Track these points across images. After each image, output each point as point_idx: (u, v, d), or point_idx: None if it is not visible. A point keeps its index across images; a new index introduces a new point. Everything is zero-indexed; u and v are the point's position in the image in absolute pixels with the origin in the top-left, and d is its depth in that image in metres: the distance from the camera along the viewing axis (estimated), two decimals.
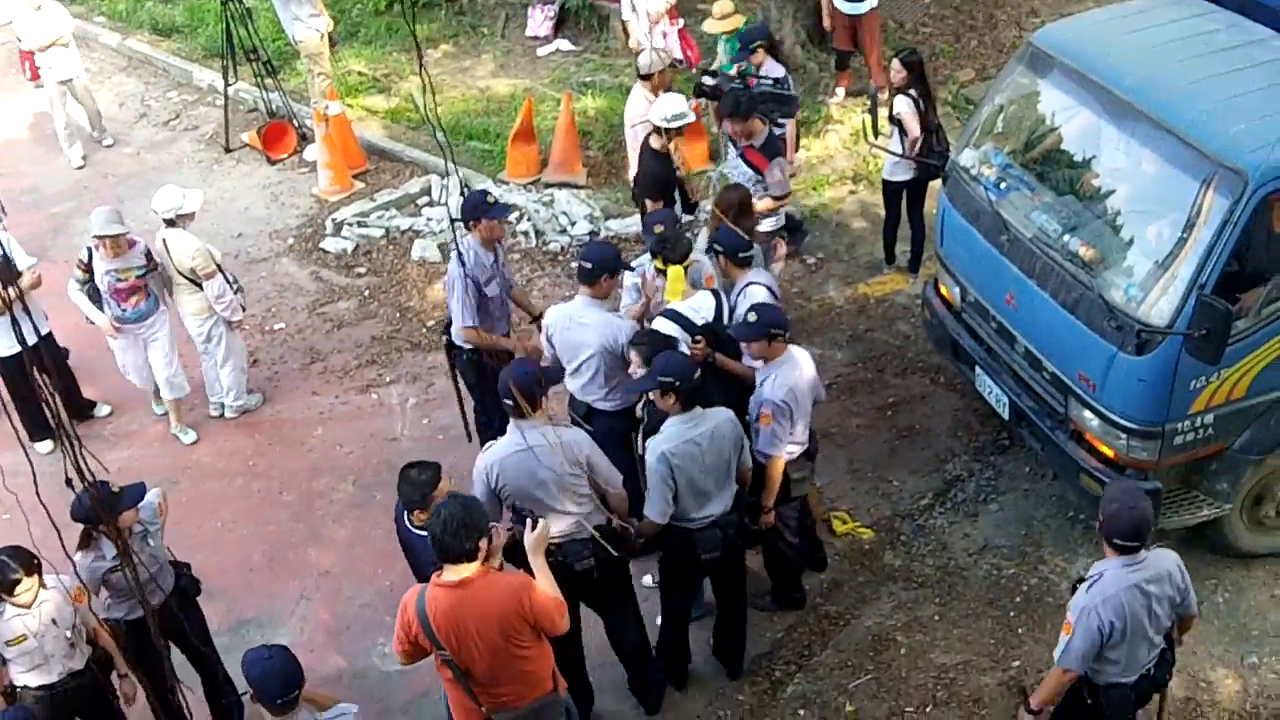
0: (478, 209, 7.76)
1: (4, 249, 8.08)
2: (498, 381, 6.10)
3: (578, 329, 7.19)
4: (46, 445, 8.80)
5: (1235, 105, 6.69)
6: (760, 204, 8.63)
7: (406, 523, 6.01)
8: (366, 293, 10.75)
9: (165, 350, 9.03)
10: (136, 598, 6.38)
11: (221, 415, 9.46)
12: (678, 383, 6.21)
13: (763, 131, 8.78)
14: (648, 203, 9.02)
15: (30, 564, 5.88)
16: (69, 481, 3.82)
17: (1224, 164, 6.41)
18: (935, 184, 9.04)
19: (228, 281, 8.96)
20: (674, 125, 8.95)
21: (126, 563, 4.51)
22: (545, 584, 5.34)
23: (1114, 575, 5.40)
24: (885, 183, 10.10)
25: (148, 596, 6.34)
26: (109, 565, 6.26)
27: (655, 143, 9.07)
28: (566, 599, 6.33)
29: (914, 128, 9.54)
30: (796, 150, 11.23)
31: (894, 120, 9.61)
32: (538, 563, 5.42)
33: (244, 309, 9.26)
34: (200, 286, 8.81)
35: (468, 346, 7.92)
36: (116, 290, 8.64)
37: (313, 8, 12.76)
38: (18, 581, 5.85)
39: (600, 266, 7.12)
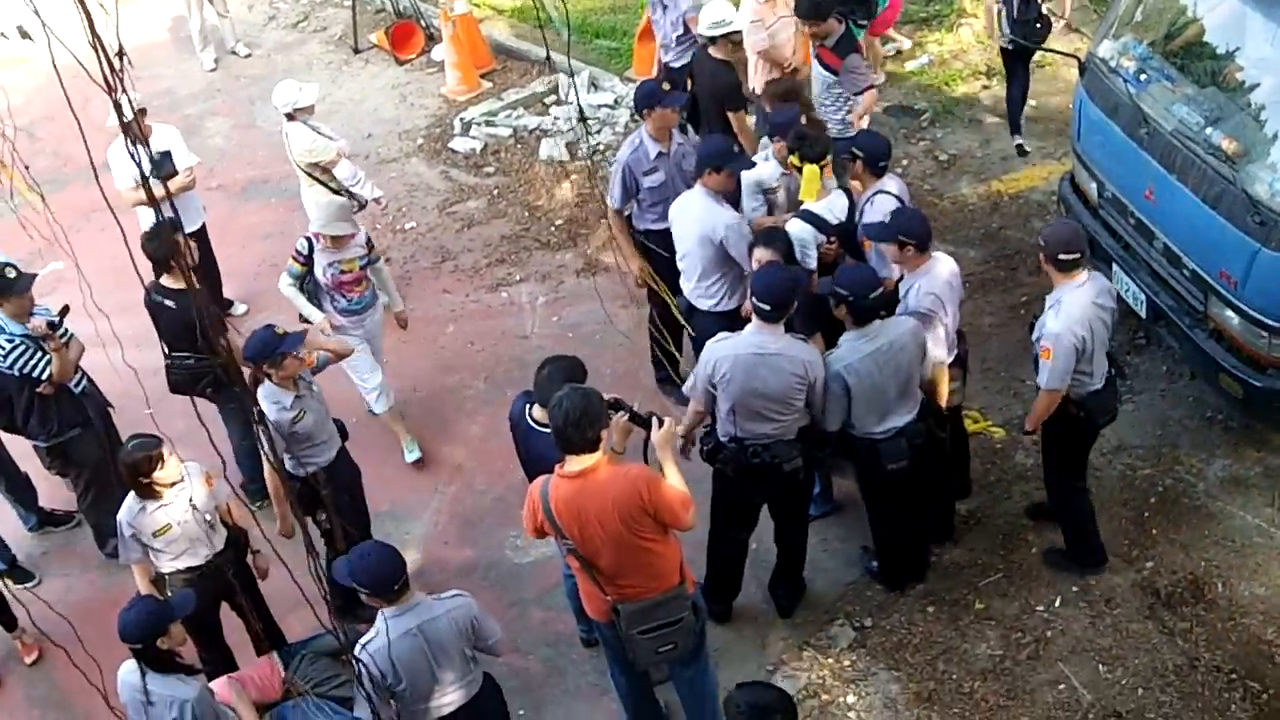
0: (650, 97, 7.70)
1: (142, 154, 8.32)
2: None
3: (684, 219, 7.22)
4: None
5: None
6: (851, 115, 8.54)
7: (528, 418, 5.98)
8: (495, 192, 10.87)
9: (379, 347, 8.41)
10: (320, 440, 6.81)
11: None
12: (851, 296, 6.14)
13: (837, 31, 8.57)
14: (730, 115, 8.84)
15: (161, 444, 6.11)
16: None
17: None
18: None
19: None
20: (716, 33, 8.77)
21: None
22: (674, 479, 5.36)
23: (1071, 297, 6.20)
24: (1002, 50, 10.31)
25: (316, 456, 6.81)
26: (291, 414, 6.56)
27: (716, 52, 8.91)
28: (758, 497, 6.54)
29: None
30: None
31: None
32: (666, 459, 5.43)
33: (379, 193, 9.23)
34: (320, 181, 8.91)
35: (640, 227, 8.04)
36: (340, 283, 7.88)
37: None
38: (159, 457, 6.06)
39: (708, 160, 7.10)
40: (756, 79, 9.63)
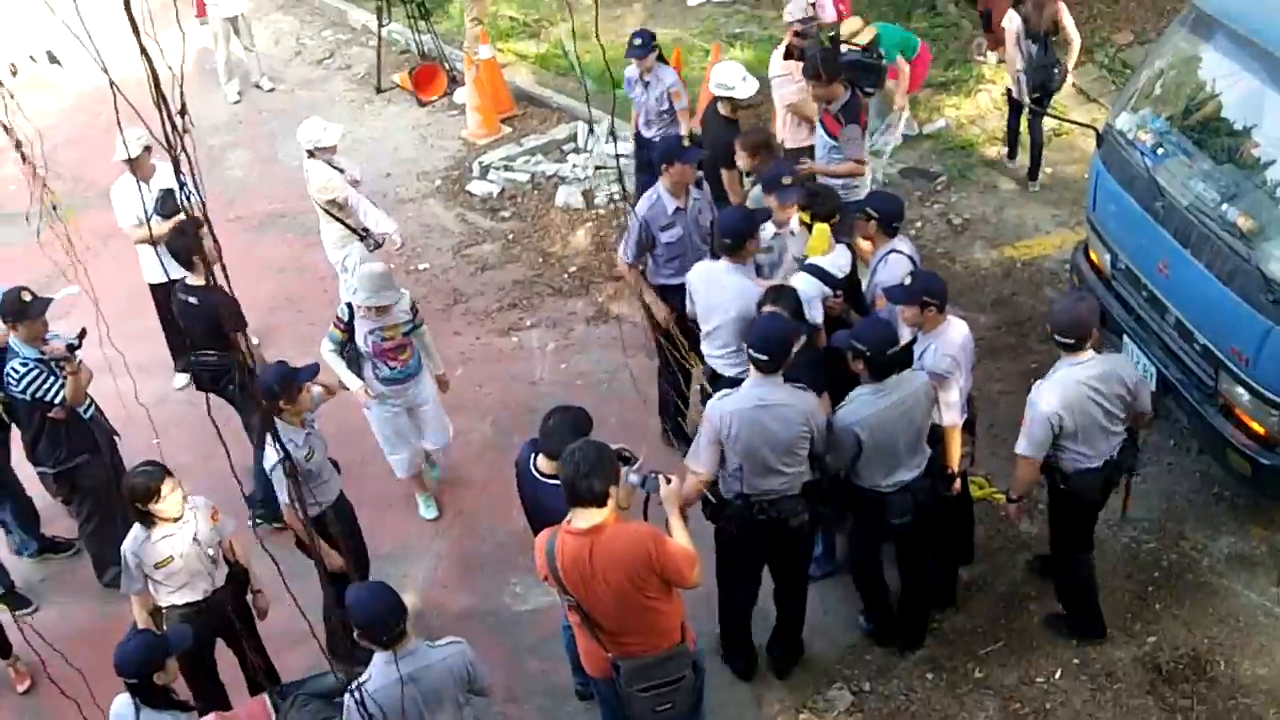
0: (669, 152, 7.76)
1: (143, 191, 8.42)
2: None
3: (718, 291, 7.18)
4: (182, 379, 9.23)
5: None
6: (839, 166, 8.60)
7: (532, 468, 5.94)
8: (510, 236, 10.93)
9: (431, 400, 8.04)
10: (325, 478, 6.83)
11: None
12: (869, 351, 6.16)
13: (842, 96, 8.57)
14: (723, 172, 8.94)
15: (167, 472, 6.11)
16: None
17: None
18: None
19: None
20: (719, 94, 9.01)
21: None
22: (680, 536, 5.33)
23: (1064, 374, 6.22)
24: (1007, 91, 10.81)
25: (324, 494, 6.80)
26: (303, 451, 6.60)
27: (723, 109, 9.07)
28: (761, 555, 6.54)
29: (1010, 44, 10.24)
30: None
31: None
32: (673, 515, 5.41)
33: (396, 229, 9.17)
34: (336, 218, 8.93)
35: (655, 282, 8.02)
36: (383, 350, 7.55)
37: None
38: (159, 488, 6.03)
39: (738, 238, 7.09)
40: (785, 132, 9.71)
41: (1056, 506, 6.78)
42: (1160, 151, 7.51)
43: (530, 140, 12.21)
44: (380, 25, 13.33)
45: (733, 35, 13.37)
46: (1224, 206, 6.95)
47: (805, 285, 7.02)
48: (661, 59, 9.83)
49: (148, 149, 8.22)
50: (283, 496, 6.61)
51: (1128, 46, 12.51)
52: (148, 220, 8.44)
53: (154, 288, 9.02)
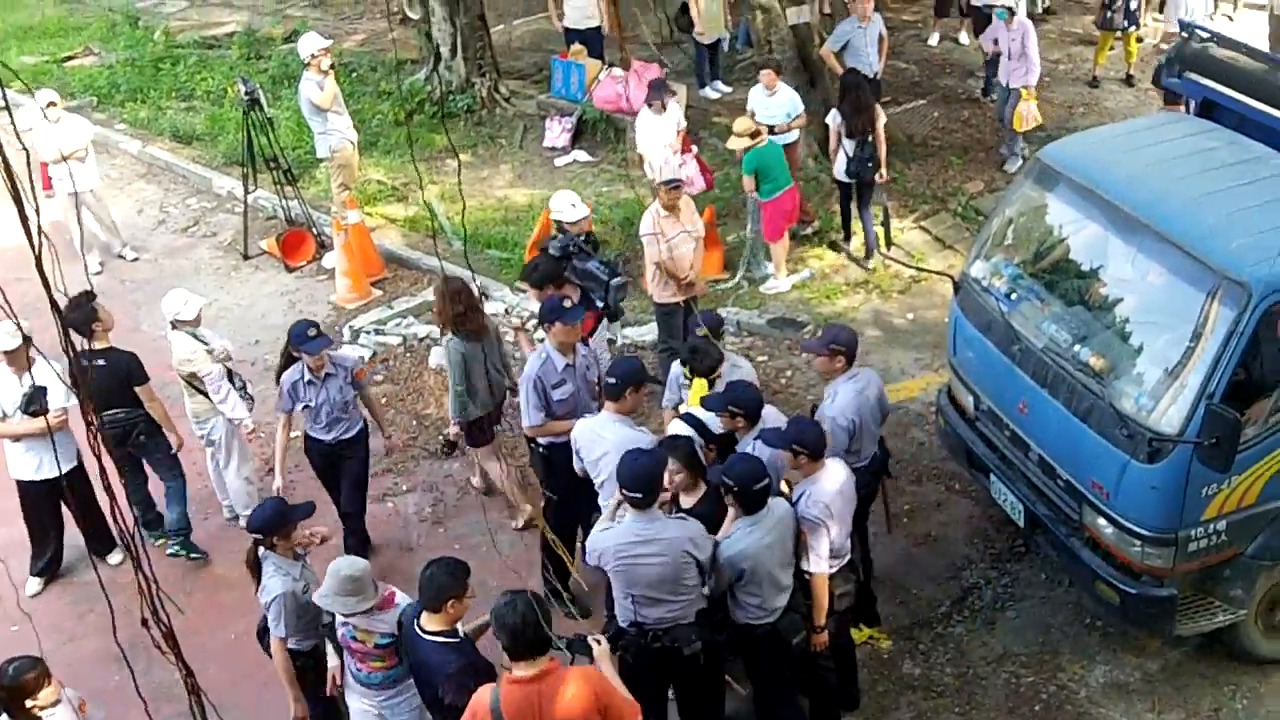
0: (553, 312, 7.87)
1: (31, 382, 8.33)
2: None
3: (600, 443, 7.21)
4: (35, 584, 9.02)
5: (1237, 220, 6.84)
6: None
7: (416, 628, 5.90)
8: (383, 400, 10.83)
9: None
10: (320, 623, 6.69)
11: (236, 520, 9.48)
12: (737, 487, 6.30)
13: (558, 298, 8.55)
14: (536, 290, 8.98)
15: (45, 668, 5.94)
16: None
17: (1228, 276, 6.54)
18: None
19: (234, 385, 9.04)
20: (555, 219, 9.65)
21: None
22: (620, 689, 5.49)
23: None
24: (836, 180, 12.16)
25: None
26: (300, 584, 6.58)
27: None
28: (661, 683, 6.60)
29: (833, 141, 11.80)
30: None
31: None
32: (610, 674, 5.57)
33: (250, 411, 9.18)
34: (198, 390, 8.91)
35: (543, 441, 8.03)
36: (351, 647, 6.45)
37: (349, 120, 13.06)
38: (39, 684, 5.88)
39: (624, 381, 7.20)
40: (653, 288, 9.92)
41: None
42: (1014, 296, 7.83)
43: (401, 303, 12.24)
44: (246, 192, 13.31)
45: (600, 194, 13.65)
46: (1077, 347, 7.26)
47: (681, 432, 7.13)
48: None
49: (28, 339, 8.08)
50: (279, 630, 6.58)
51: (979, 195, 13.09)
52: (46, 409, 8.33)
53: (20, 484, 8.78)
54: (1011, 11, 13.22)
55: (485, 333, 8.59)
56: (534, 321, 9.00)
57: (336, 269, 12.51)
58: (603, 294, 9.01)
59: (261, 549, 6.66)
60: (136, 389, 8.66)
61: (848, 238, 12.44)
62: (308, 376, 8.34)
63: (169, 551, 9.08)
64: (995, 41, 13.66)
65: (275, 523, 6.64)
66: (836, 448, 7.16)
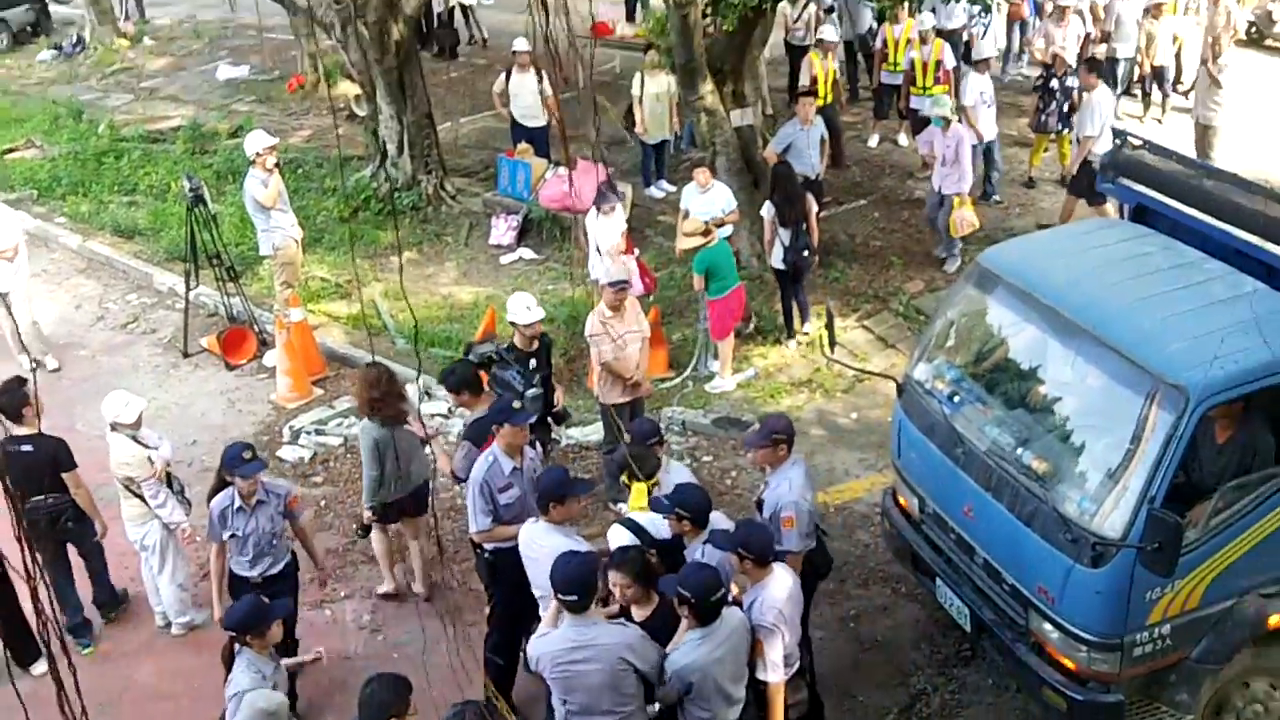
0: (501, 414, 7.85)
1: None
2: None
3: (536, 550, 7.14)
4: (40, 666, 8.65)
5: (1173, 324, 6.92)
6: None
7: None
8: (323, 503, 10.68)
9: None
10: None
11: (168, 627, 9.26)
12: (693, 598, 6.20)
13: (478, 408, 8.72)
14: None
15: None
16: None
17: (1166, 381, 6.59)
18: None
19: (172, 489, 8.91)
20: (511, 321, 9.64)
21: None
22: None
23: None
24: (774, 269, 12.39)
25: None
26: (270, 683, 6.52)
27: (519, 341, 9.59)
28: None
29: (768, 231, 12.10)
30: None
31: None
32: None
33: (187, 517, 9.04)
34: (135, 494, 8.77)
35: (488, 546, 7.94)
36: None
37: (293, 217, 13.02)
38: None
39: (547, 496, 7.16)
40: (600, 389, 9.89)
41: None
42: (957, 399, 7.85)
43: (342, 402, 12.08)
44: (188, 288, 13.21)
45: (546, 292, 13.65)
46: (1019, 450, 7.27)
47: (619, 539, 7.08)
48: None
49: None
50: None
51: (919, 295, 13.22)
52: None
53: None
54: (948, 121, 13.45)
55: (402, 420, 8.70)
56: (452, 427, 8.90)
57: (278, 367, 12.39)
58: (515, 400, 8.87)
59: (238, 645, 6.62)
60: (64, 475, 8.64)
61: (790, 335, 12.52)
62: (238, 503, 8.04)
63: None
64: (930, 146, 13.87)
65: (251, 622, 6.55)
66: (803, 529, 7.39)
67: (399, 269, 12.13)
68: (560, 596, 6.10)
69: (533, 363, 9.57)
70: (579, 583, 6.12)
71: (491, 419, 7.96)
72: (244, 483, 7.98)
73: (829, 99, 15.63)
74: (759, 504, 7.80)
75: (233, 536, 8.09)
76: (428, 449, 9.04)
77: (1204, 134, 14.98)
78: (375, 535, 9.32)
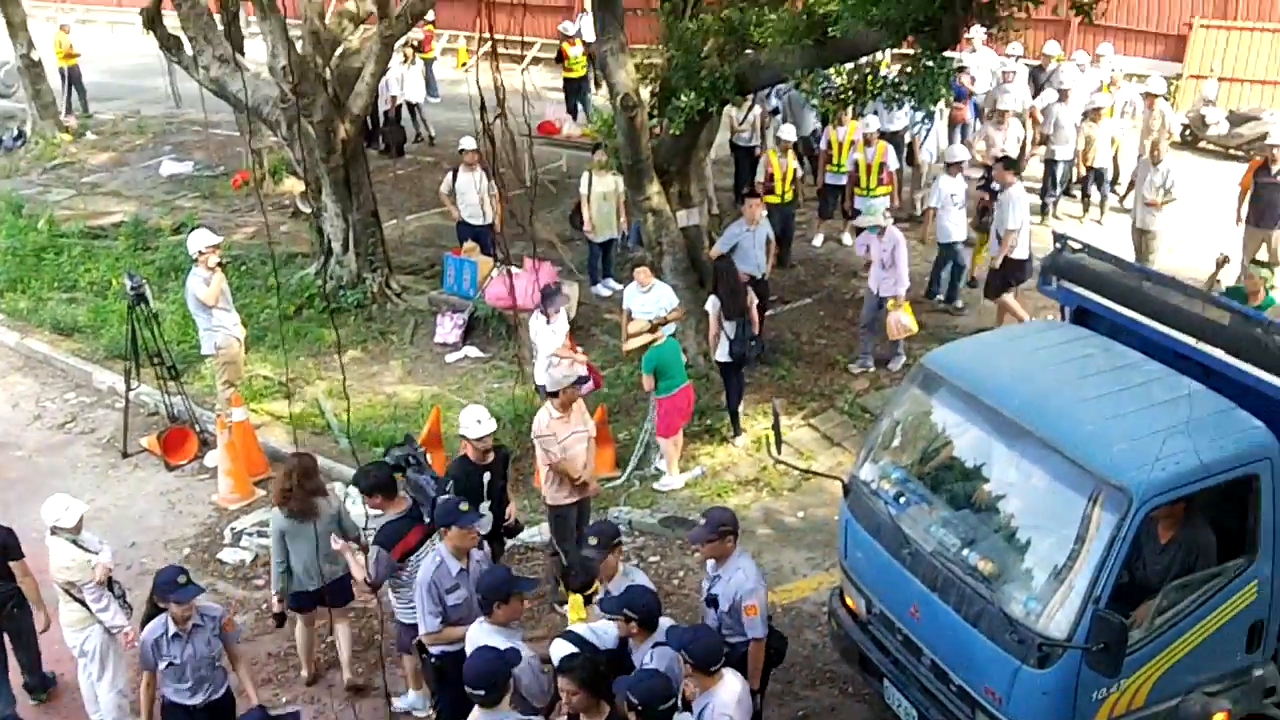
0: (449, 515, 7.82)
1: None
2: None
3: None
4: None
5: (1115, 425, 7.04)
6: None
7: None
8: (264, 606, 10.45)
9: None
10: None
11: None
12: (641, 706, 6.16)
13: (390, 512, 8.63)
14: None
15: None
16: None
17: (1109, 482, 6.69)
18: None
19: (113, 593, 8.74)
20: (461, 435, 9.34)
21: None
22: None
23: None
24: (719, 362, 12.45)
25: None
26: None
27: (471, 454, 9.32)
28: None
29: (713, 325, 12.21)
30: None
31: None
32: None
33: (128, 620, 8.82)
34: (75, 599, 8.61)
35: (434, 649, 7.88)
36: None
37: (236, 316, 12.94)
38: None
39: (491, 594, 7.12)
40: (547, 489, 9.84)
41: None
42: (902, 500, 7.90)
43: None
44: (128, 388, 13.06)
45: (492, 390, 13.63)
46: (965, 551, 7.32)
47: (561, 651, 7.00)
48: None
49: None
50: None
51: (865, 393, 13.33)
52: None
53: None
54: (882, 227, 13.60)
55: (312, 514, 8.78)
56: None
57: (219, 468, 12.23)
58: (429, 509, 8.69)
59: None
60: (11, 563, 8.70)
61: (737, 431, 12.57)
62: (173, 630, 7.81)
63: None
64: (868, 249, 14.01)
65: None
66: (765, 613, 7.64)
67: (340, 367, 12.03)
68: (469, 690, 6.17)
69: (487, 476, 9.33)
70: (486, 677, 6.21)
71: (439, 520, 7.92)
72: (179, 609, 7.76)
73: (789, 196, 15.93)
74: (711, 600, 7.76)
75: (169, 665, 7.86)
76: (345, 551, 8.83)
77: (1141, 238, 15.33)
78: (298, 626, 9.35)
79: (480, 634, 7.12)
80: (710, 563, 7.87)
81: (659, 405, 11.66)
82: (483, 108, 6.10)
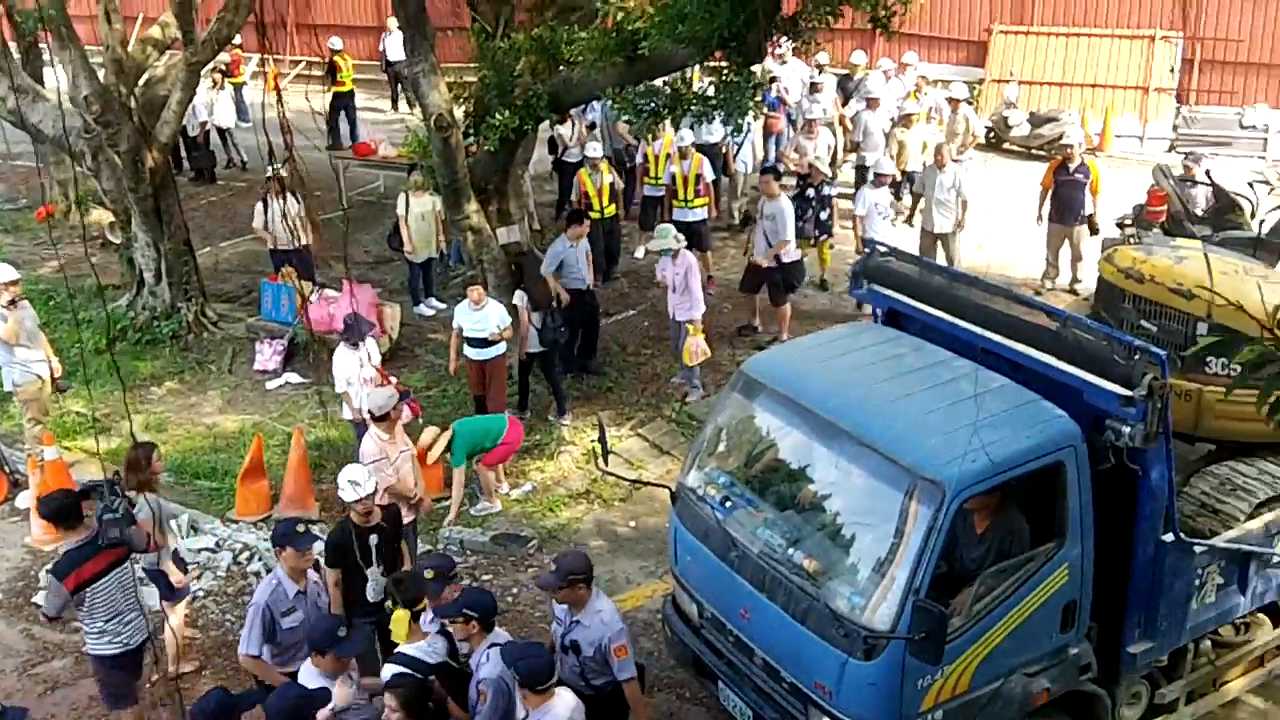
0: (284, 537, 7.71)
1: None
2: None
3: None
4: None
5: (927, 421, 7.28)
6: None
7: None
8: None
9: None
10: None
11: None
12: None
13: (70, 540, 8.35)
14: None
15: None
16: None
17: (923, 476, 6.92)
18: None
19: None
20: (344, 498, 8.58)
21: None
22: None
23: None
24: (532, 354, 12.81)
25: None
26: None
27: (355, 517, 8.66)
28: None
29: (523, 319, 12.62)
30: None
31: None
32: None
33: None
34: None
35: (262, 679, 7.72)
36: None
37: (38, 353, 12.43)
38: None
39: (313, 645, 7.05)
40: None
41: None
42: (729, 504, 8.04)
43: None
44: None
45: (315, 416, 13.40)
46: (791, 551, 7.48)
47: (389, 673, 7.01)
48: None
49: None
50: None
51: (692, 401, 13.47)
52: None
53: None
54: (675, 250, 13.44)
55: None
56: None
57: (32, 509, 11.75)
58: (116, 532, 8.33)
59: None
60: None
61: (562, 411, 12.92)
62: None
63: None
64: (663, 272, 13.96)
65: (219, 715, 6.42)
66: (633, 651, 7.53)
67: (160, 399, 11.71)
68: None
69: (373, 539, 8.46)
70: (280, 716, 6.28)
71: (275, 541, 7.84)
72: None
73: (610, 211, 16.13)
74: (570, 647, 7.54)
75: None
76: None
77: (935, 241, 15.81)
78: None
79: (308, 677, 7.02)
80: (562, 607, 7.67)
81: (485, 462, 11.56)
82: (283, 130, 6.02)
